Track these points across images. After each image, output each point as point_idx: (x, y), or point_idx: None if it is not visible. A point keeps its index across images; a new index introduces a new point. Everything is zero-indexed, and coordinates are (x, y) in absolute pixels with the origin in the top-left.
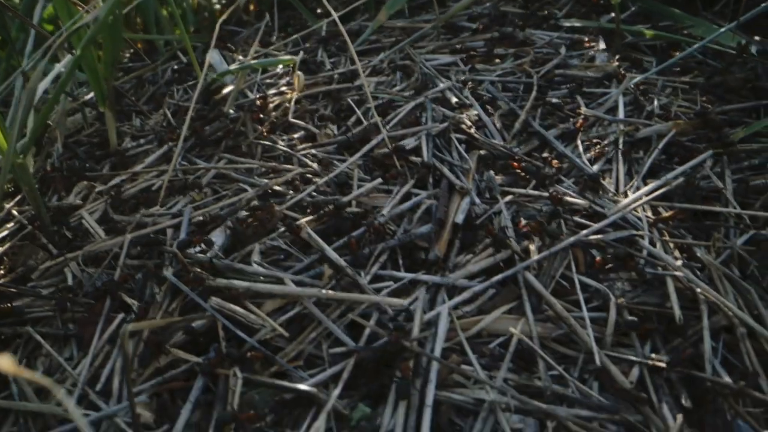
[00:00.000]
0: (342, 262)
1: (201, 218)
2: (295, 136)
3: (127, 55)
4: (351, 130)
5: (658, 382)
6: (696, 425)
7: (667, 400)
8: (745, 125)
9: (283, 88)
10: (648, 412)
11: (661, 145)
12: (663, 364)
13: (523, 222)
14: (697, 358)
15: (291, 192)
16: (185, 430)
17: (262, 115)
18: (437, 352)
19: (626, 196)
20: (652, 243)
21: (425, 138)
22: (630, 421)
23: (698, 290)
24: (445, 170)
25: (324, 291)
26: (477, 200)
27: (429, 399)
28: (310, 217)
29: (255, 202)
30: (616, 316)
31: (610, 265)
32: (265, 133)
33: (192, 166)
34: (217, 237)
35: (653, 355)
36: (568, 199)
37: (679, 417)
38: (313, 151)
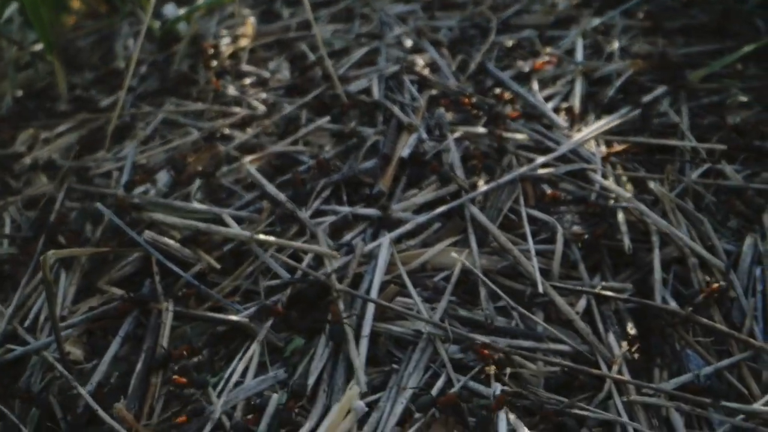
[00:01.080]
0: (281, 197)
1: (145, 161)
2: (247, 81)
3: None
4: (302, 74)
5: (605, 312)
6: (644, 355)
7: (614, 330)
8: (707, 66)
9: (238, 37)
10: (594, 342)
11: (618, 83)
12: (611, 293)
13: (469, 157)
14: (646, 288)
15: (238, 134)
16: (114, 364)
17: (213, 62)
18: (376, 285)
19: (580, 132)
20: (605, 176)
21: (377, 79)
22: (575, 351)
23: (649, 221)
24: (395, 109)
25: (253, 233)
26: (425, 137)
27: (365, 330)
28: (254, 156)
29: (200, 144)
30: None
31: (561, 199)
32: (216, 80)
33: (139, 110)
34: (161, 177)
35: (603, 283)
36: (519, 135)
37: (625, 345)
38: (263, 95)
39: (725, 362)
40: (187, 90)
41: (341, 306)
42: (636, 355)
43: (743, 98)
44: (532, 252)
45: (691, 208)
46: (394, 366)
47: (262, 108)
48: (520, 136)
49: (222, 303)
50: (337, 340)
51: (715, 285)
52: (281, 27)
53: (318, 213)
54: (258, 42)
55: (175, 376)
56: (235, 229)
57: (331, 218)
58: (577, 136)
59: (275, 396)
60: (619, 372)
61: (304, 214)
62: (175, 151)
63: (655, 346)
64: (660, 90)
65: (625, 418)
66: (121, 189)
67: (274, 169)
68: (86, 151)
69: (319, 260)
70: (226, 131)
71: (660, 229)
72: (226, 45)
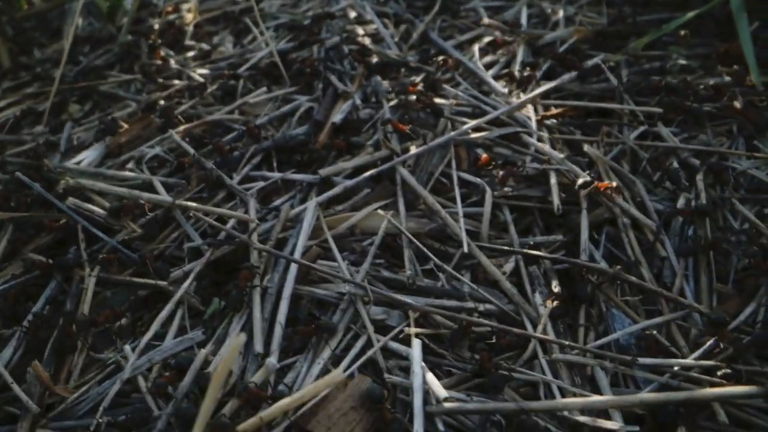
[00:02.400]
0: (208, 164)
1: (83, 133)
2: (189, 54)
3: None
4: (245, 48)
5: (533, 273)
6: (571, 315)
7: (541, 290)
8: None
9: (183, 11)
10: (520, 302)
11: (561, 50)
12: (539, 252)
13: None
14: (577, 249)
15: (175, 105)
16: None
17: (157, 37)
18: (300, 247)
19: (519, 97)
20: (539, 140)
21: (317, 49)
22: (501, 311)
23: (579, 181)
24: (332, 77)
25: (174, 199)
26: (359, 103)
27: (286, 292)
28: (186, 126)
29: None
30: (494, 209)
31: (493, 163)
32: (159, 53)
33: (80, 85)
34: (95, 148)
35: (531, 242)
36: (456, 101)
37: (550, 303)
38: (204, 68)
39: (654, 321)
40: (129, 64)
41: (260, 269)
42: (561, 316)
43: (684, 62)
44: (460, 213)
45: (626, 170)
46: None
47: (201, 80)
48: (457, 102)
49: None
50: (232, 307)
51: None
52: (228, 1)
53: (248, 179)
54: (204, 17)
55: None
56: (156, 196)
57: (260, 184)
58: (514, 101)
59: (201, 352)
60: (544, 332)
61: (232, 180)
62: (110, 123)
63: (580, 300)
64: (601, 56)
65: (549, 377)
66: (53, 160)
67: (208, 138)
68: (25, 125)
69: (245, 226)
70: (163, 103)
71: (590, 190)
72: (171, 20)
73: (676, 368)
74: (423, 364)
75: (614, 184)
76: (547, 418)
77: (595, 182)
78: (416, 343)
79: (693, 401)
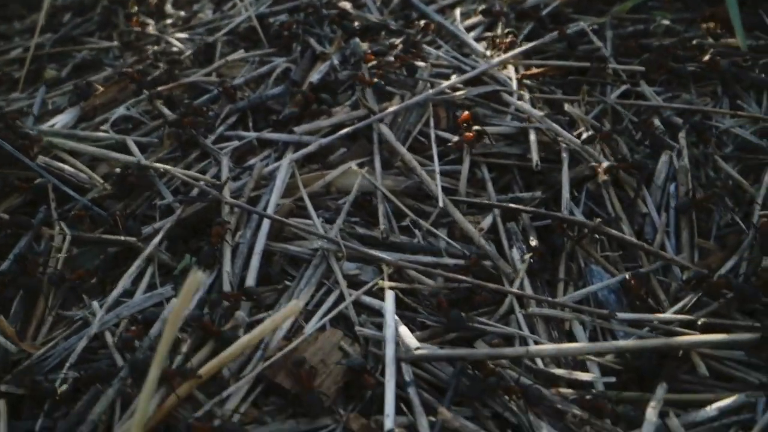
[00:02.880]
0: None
1: (59, 98)
2: (168, 21)
3: None
4: (224, 13)
5: (510, 229)
6: (549, 271)
7: (518, 246)
8: None
9: None
10: (497, 257)
11: (544, 13)
12: (516, 205)
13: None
14: (557, 206)
15: (152, 70)
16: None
17: (136, 5)
18: (273, 204)
19: (499, 57)
20: (520, 98)
21: (297, 14)
22: (478, 267)
23: (560, 139)
24: (311, 40)
25: (141, 159)
26: (337, 64)
27: (258, 248)
28: (161, 88)
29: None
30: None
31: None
32: (138, 21)
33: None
34: (70, 112)
35: (509, 198)
36: (437, 62)
37: (528, 258)
38: (183, 33)
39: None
40: (108, 32)
41: (231, 224)
42: (540, 271)
43: (667, 23)
44: (437, 170)
45: (607, 128)
46: (287, 283)
47: (180, 45)
48: (436, 63)
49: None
50: (203, 263)
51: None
52: None
53: (223, 139)
54: None
55: None
56: (126, 155)
57: (235, 143)
58: (494, 60)
59: (169, 306)
60: (521, 287)
61: (206, 140)
62: (85, 87)
63: (557, 251)
64: (586, 19)
65: (526, 332)
66: (27, 122)
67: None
68: (1, 92)
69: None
70: (140, 67)
71: (571, 146)
72: None
73: (655, 322)
74: (396, 316)
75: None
76: (523, 372)
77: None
78: (389, 295)
79: (670, 348)
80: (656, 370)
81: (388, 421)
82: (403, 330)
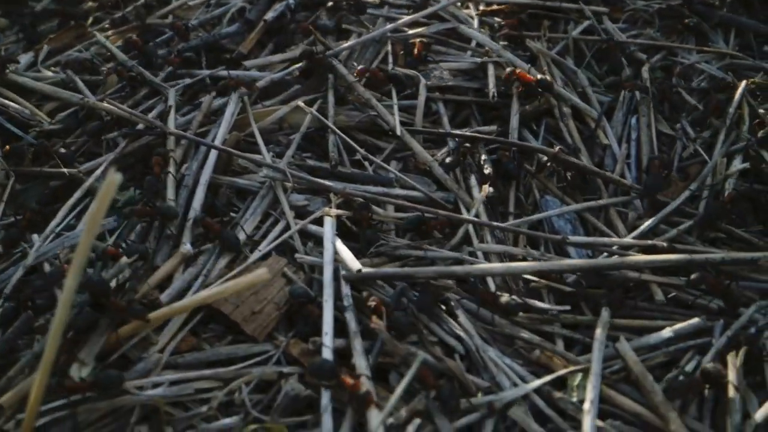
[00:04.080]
0: (129, 62)
1: (11, 47)
2: None
3: None
4: None
5: (466, 161)
6: (504, 203)
7: (475, 176)
8: None
9: None
10: (454, 188)
11: None
12: (471, 133)
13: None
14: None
15: (107, 16)
16: None
17: None
18: (220, 137)
19: None
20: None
21: None
22: (429, 198)
23: (518, 71)
24: None
25: (84, 98)
26: (292, 3)
27: (203, 179)
28: (113, 31)
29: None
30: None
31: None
32: None
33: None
34: (24, 57)
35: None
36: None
37: (485, 189)
38: None
39: (592, 203)
40: None
41: (174, 153)
42: (495, 204)
43: None
44: (394, 101)
45: (570, 64)
46: (233, 215)
47: None
48: (395, 2)
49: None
50: (148, 192)
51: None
52: None
53: (174, 77)
54: None
55: None
56: (72, 93)
57: (186, 81)
58: None
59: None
60: (477, 216)
61: (151, 76)
62: (35, 33)
63: (510, 177)
64: None
65: (480, 261)
66: None
67: (138, 42)
68: None
69: (164, 120)
70: (99, 14)
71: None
72: None
73: (614, 247)
74: (339, 242)
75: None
76: (474, 299)
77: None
78: (328, 221)
79: (623, 267)
80: (605, 294)
81: (327, 341)
82: (346, 253)
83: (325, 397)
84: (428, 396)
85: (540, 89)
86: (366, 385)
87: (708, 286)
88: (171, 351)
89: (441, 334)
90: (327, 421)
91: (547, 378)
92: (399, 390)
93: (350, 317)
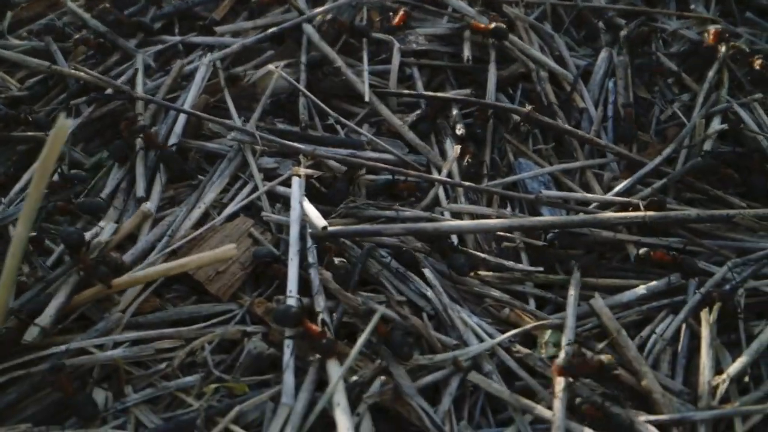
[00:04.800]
0: (102, 27)
1: None
2: None
3: None
4: None
5: (439, 123)
6: (479, 167)
7: (450, 139)
8: None
9: None
10: (425, 151)
11: None
12: (443, 95)
13: None
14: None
15: None
16: None
17: None
18: (189, 101)
19: None
20: None
21: None
22: (401, 161)
23: (472, 21)
24: None
25: (51, 65)
26: None
27: (171, 142)
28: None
29: None
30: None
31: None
32: None
33: None
34: None
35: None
36: None
37: (457, 149)
38: None
39: (568, 165)
40: None
41: (143, 116)
42: (468, 169)
43: None
44: (366, 73)
45: (547, 28)
46: (201, 178)
47: None
48: None
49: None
50: (114, 156)
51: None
52: None
53: (147, 43)
54: None
55: None
56: (41, 60)
57: (158, 47)
58: None
59: None
60: (449, 176)
61: (124, 41)
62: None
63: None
64: None
65: (449, 220)
66: None
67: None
68: None
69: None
70: None
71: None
72: None
73: (592, 206)
74: (305, 200)
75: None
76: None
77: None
78: (296, 181)
79: (594, 225)
80: (579, 255)
81: (291, 300)
82: (312, 212)
83: (287, 354)
84: (379, 343)
85: (494, 37)
86: (330, 335)
87: (654, 262)
88: (133, 312)
89: (408, 293)
90: (289, 378)
91: (514, 331)
92: (359, 344)
93: (314, 275)
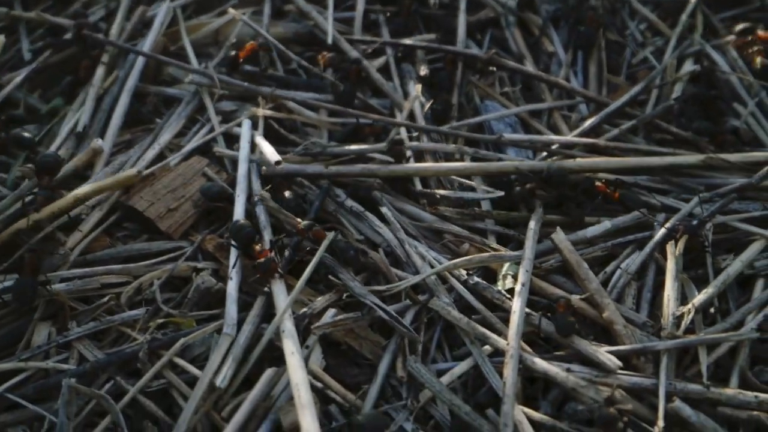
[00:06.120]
0: None
1: None
2: None
3: None
4: None
5: (404, 68)
6: (442, 112)
7: (411, 82)
8: None
9: None
10: (391, 90)
11: None
12: (407, 42)
13: None
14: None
15: None
16: None
17: None
18: (149, 44)
19: None
20: None
21: None
22: (364, 105)
23: None
24: None
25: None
26: None
27: (128, 85)
28: None
29: None
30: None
31: None
32: None
33: None
34: None
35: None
36: None
37: (418, 88)
38: None
39: (534, 106)
40: None
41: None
42: (432, 108)
43: None
44: (330, 18)
45: None
46: (158, 121)
47: None
48: None
49: None
50: (64, 95)
51: None
52: None
53: None
54: None
55: None
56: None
57: None
58: None
59: None
60: (411, 118)
61: None
62: None
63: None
64: None
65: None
66: None
67: None
68: None
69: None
70: None
71: None
72: None
73: (556, 146)
74: (260, 137)
75: None
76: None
77: None
78: (247, 122)
79: (557, 172)
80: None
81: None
82: (267, 147)
83: (231, 286)
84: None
85: None
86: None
87: (597, 194)
88: (82, 250)
89: (366, 231)
90: (231, 307)
91: (465, 258)
92: (307, 271)
93: (260, 210)
